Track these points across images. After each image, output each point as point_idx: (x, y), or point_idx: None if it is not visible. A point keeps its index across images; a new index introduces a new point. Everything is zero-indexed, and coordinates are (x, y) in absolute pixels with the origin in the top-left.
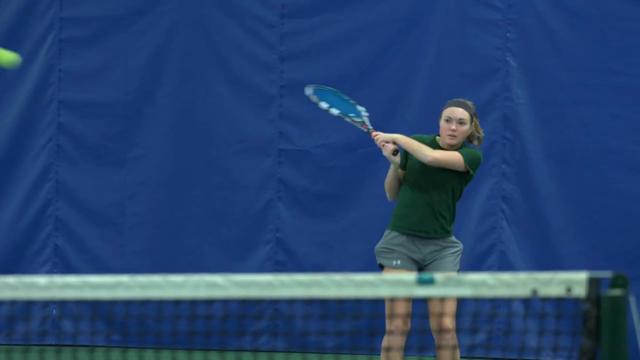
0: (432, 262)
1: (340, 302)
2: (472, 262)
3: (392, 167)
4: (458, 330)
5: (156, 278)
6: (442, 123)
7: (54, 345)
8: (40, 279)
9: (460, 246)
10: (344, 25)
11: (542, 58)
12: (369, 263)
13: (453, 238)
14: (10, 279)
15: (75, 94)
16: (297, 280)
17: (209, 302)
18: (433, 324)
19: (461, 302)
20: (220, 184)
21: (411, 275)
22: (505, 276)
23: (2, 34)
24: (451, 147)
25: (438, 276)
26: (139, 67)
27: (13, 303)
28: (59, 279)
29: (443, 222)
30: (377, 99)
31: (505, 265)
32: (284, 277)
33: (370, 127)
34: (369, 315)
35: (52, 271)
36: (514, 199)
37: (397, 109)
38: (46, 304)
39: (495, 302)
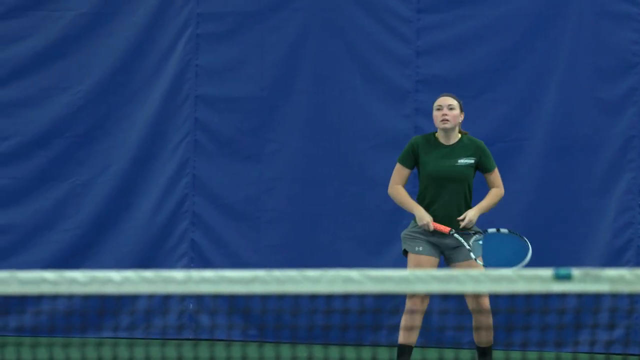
0: (453, 249)
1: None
2: (610, 257)
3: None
4: (596, 325)
5: (292, 273)
6: (435, 113)
7: (191, 339)
8: (178, 274)
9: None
10: (480, 20)
11: None
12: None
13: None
14: (148, 273)
15: (211, 89)
16: (433, 275)
17: (345, 297)
18: (471, 304)
19: (599, 297)
20: (355, 179)
21: (548, 271)
22: None
23: (140, 30)
24: (446, 132)
25: (576, 272)
26: (275, 62)
27: (151, 297)
28: (196, 273)
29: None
30: (512, 96)
31: None
32: (420, 273)
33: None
34: (505, 310)
35: (189, 265)
36: None
37: (533, 106)
38: (183, 298)
39: (634, 298)
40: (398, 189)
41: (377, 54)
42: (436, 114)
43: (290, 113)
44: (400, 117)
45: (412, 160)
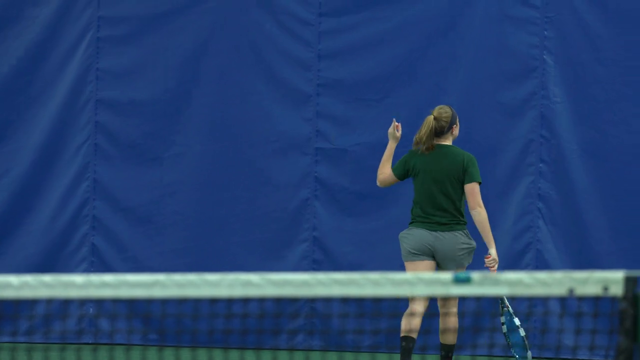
0: None
1: (377, 301)
2: (509, 261)
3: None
4: (495, 329)
5: (192, 277)
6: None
7: (91, 343)
8: (77, 278)
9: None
10: (382, 24)
11: (580, 56)
12: None
13: None
14: (48, 278)
15: (112, 93)
16: (333, 278)
17: (245, 301)
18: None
19: (498, 301)
20: (257, 182)
21: (447, 274)
22: (542, 275)
23: (41, 33)
24: None
25: (475, 275)
26: (177, 65)
27: (50, 302)
28: (96, 277)
29: None
30: (415, 99)
31: (541, 264)
32: (321, 276)
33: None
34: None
35: (89, 270)
36: (551, 197)
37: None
38: (83, 302)
39: (532, 301)
40: None
41: (279, 57)
42: None
43: (192, 116)
44: (302, 120)
45: None
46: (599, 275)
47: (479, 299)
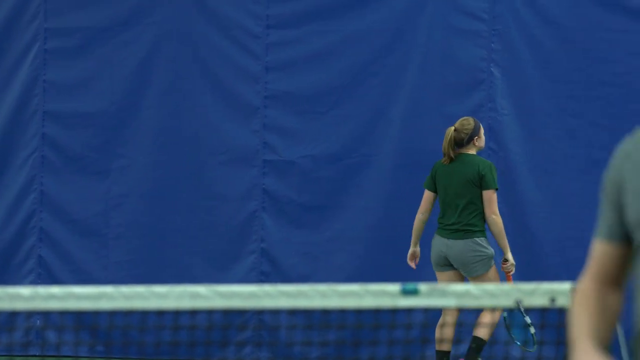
0: None
1: (325, 313)
2: None
3: None
4: (441, 341)
5: (140, 289)
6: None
7: (38, 356)
8: (24, 290)
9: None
10: (329, 36)
11: (527, 69)
12: (354, 273)
13: None
14: None
15: (59, 105)
16: (281, 290)
17: (193, 313)
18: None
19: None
20: (204, 194)
21: (395, 286)
22: (490, 286)
23: None
24: None
25: (422, 287)
26: (124, 77)
27: None
28: (43, 289)
29: None
30: (361, 111)
31: None
32: (268, 288)
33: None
34: (353, 325)
35: (36, 282)
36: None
37: (382, 120)
38: (30, 314)
39: (480, 313)
40: None
41: (227, 69)
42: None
43: (139, 128)
44: (249, 132)
45: None
46: (546, 287)
47: (426, 311)
